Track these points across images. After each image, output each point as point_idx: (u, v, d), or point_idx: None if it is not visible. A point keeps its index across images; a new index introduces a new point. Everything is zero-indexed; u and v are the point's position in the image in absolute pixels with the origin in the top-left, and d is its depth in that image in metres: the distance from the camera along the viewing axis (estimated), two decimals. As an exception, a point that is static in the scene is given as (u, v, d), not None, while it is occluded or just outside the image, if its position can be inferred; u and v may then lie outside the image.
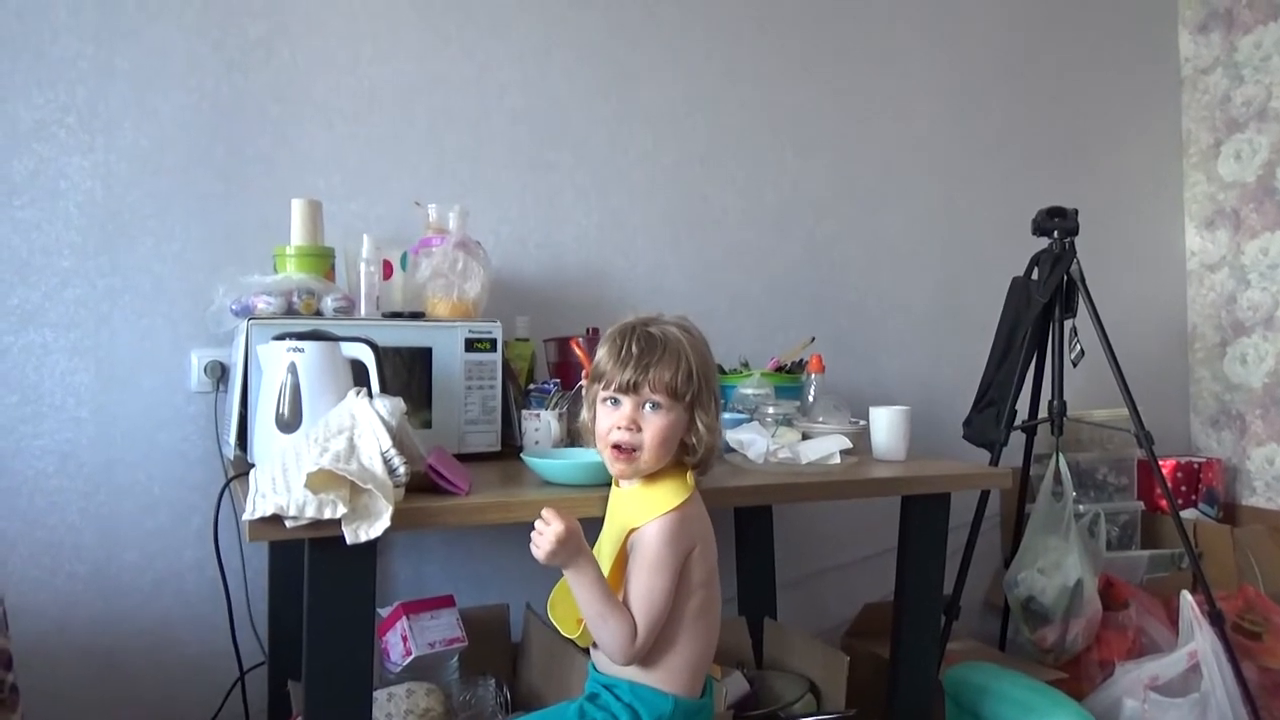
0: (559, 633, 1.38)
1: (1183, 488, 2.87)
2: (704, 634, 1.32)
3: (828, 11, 2.66)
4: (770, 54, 2.58)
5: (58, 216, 1.92)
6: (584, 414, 1.36)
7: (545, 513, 1.24)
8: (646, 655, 1.28)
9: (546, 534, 1.23)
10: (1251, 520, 2.88)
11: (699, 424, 1.29)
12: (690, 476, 1.32)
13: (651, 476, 1.31)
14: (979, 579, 2.63)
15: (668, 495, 1.28)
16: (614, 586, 1.28)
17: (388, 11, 2.19)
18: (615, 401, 1.29)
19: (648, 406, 1.27)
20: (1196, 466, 2.91)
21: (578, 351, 1.92)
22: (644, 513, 1.28)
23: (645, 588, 1.25)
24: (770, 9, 2.59)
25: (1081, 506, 2.48)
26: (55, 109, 1.92)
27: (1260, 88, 2.98)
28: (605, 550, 1.33)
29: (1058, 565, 2.26)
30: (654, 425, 1.27)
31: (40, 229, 1.91)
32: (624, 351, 1.28)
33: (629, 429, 1.27)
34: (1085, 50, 3.04)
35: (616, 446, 1.28)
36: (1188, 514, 2.80)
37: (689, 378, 1.27)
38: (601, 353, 1.31)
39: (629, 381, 1.26)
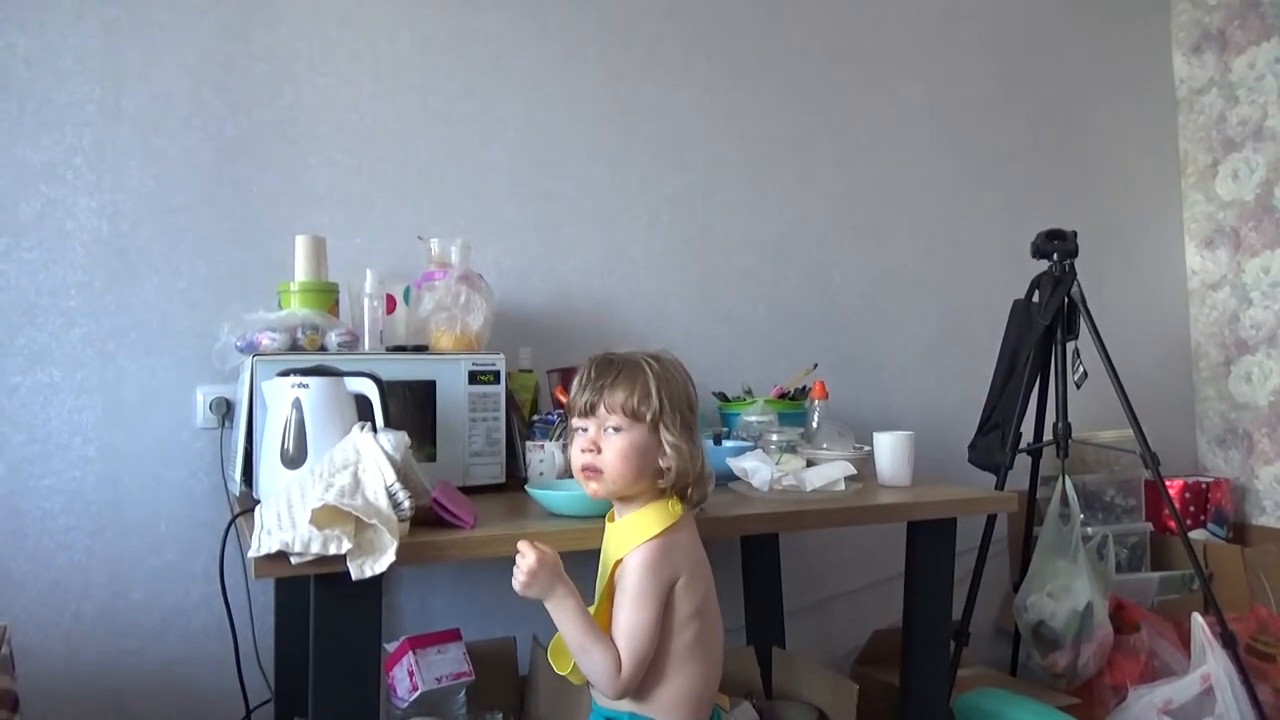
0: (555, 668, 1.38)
1: (1191, 508, 2.86)
2: (702, 664, 1.31)
3: (826, 43, 2.69)
4: (769, 86, 2.61)
5: (64, 257, 1.94)
6: (569, 448, 1.39)
7: (520, 545, 1.26)
8: (644, 688, 1.28)
9: (520, 566, 1.24)
10: (1262, 540, 2.86)
11: (665, 445, 1.30)
12: (675, 504, 1.32)
13: (638, 505, 1.32)
14: (988, 604, 2.61)
15: (649, 524, 1.29)
16: (605, 620, 1.28)
17: (389, 51, 2.22)
18: (583, 429, 1.32)
19: (609, 428, 1.30)
20: (1204, 486, 2.89)
21: (563, 399, 1.93)
22: (627, 543, 1.28)
23: (629, 621, 1.25)
24: (769, 43, 2.62)
25: (1089, 529, 2.47)
26: (62, 151, 1.95)
27: (1255, 107, 3.00)
28: (599, 584, 1.34)
29: (1067, 589, 2.24)
30: (613, 445, 1.29)
31: (47, 269, 1.93)
32: (584, 378, 1.33)
33: (590, 450, 1.30)
34: (1080, 74, 3.07)
35: (584, 468, 1.32)
36: (1197, 535, 2.78)
37: (646, 397, 1.29)
38: (572, 385, 1.36)
39: (586, 404, 1.31)
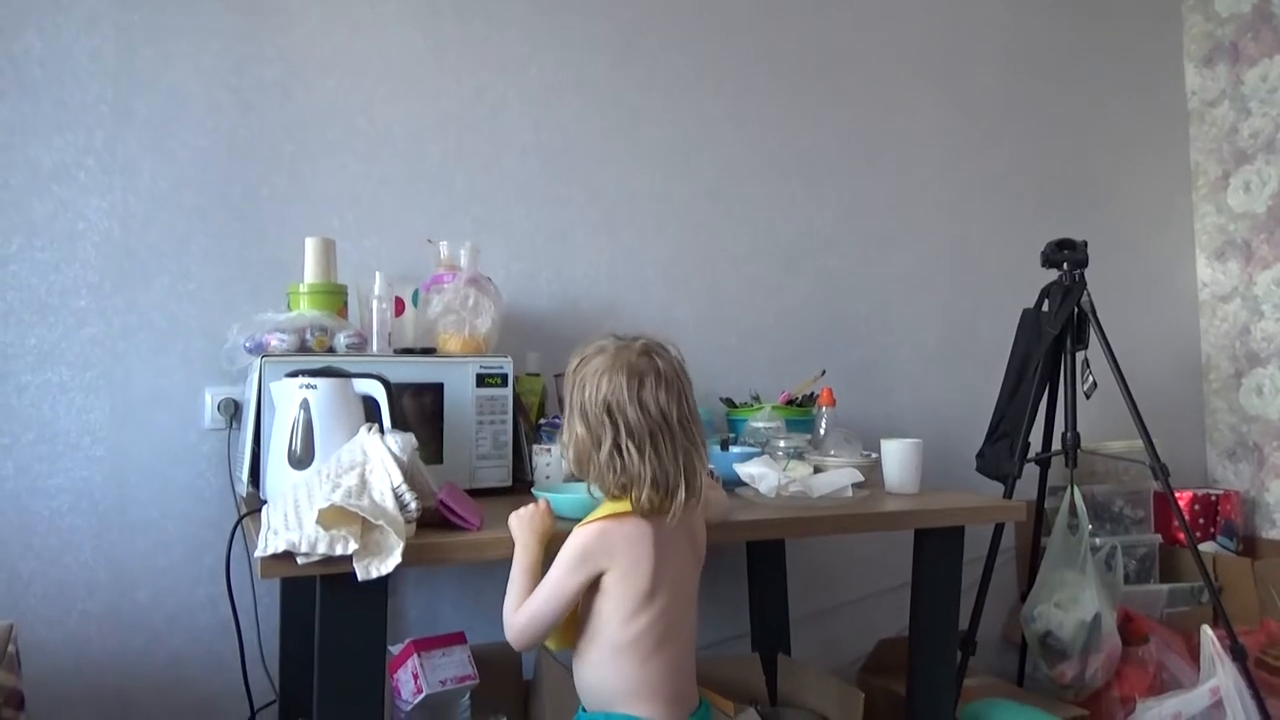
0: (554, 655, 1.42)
1: (1201, 520, 2.84)
2: (652, 659, 1.33)
3: (835, 52, 2.69)
4: (778, 94, 2.61)
5: (76, 257, 1.95)
6: None
7: (541, 501, 1.42)
8: (598, 681, 1.34)
9: (525, 508, 1.39)
10: (1272, 554, 2.84)
11: (560, 433, 1.40)
12: (629, 499, 1.33)
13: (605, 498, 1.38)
14: (995, 613, 2.60)
15: (599, 510, 1.35)
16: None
17: (400, 53, 2.23)
18: None
19: None
20: (1214, 499, 2.88)
21: None
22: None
23: (543, 581, 1.34)
24: (778, 51, 2.62)
25: (1098, 539, 2.46)
26: (75, 152, 1.96)
27: (1268, 120, 2.99)
28: None
29: (1075, 599, 2.23)
30: None
31: (59, 269, 1.94)
32: None
33: None
34: (1092, 85, 3.06)
35: None
36: (1206, 547, 2.77)
37: (565, 390, 1.40)
38: None
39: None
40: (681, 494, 1.31)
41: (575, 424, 1.34)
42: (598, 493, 1.36)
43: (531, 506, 1.41)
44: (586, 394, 1.33)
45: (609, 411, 1.31)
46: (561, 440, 1.39)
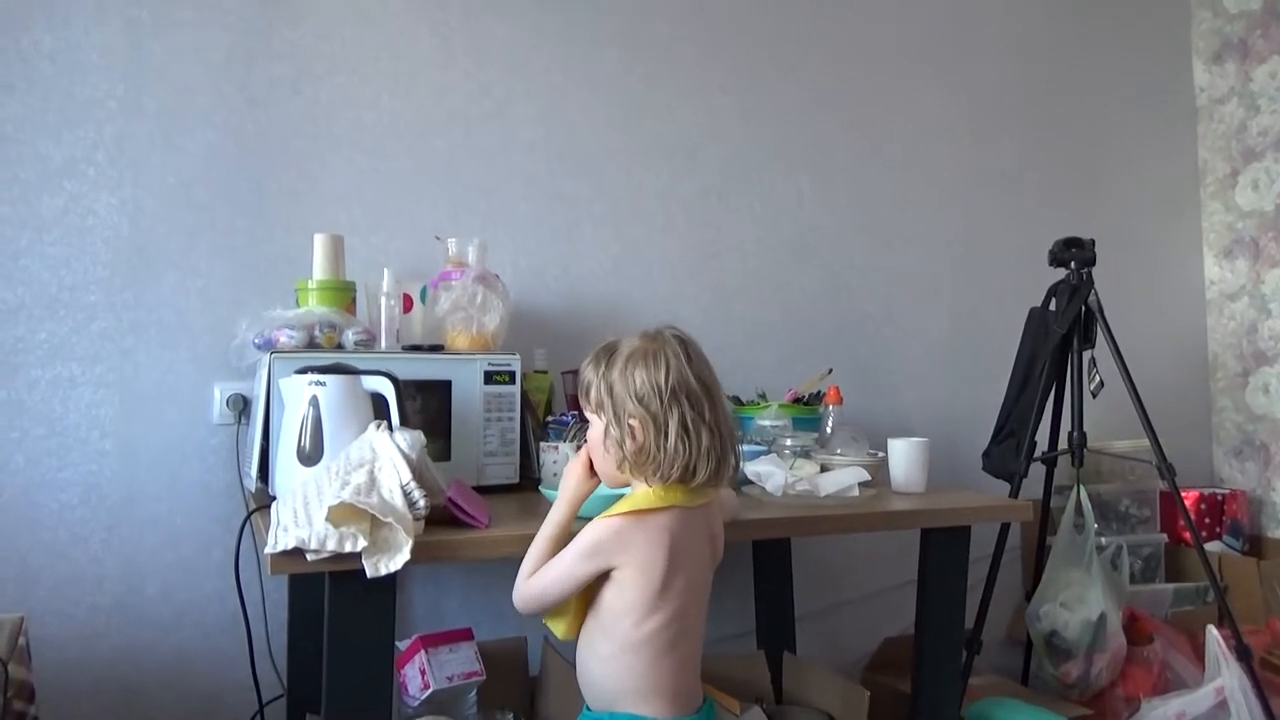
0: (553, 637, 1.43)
1: (1206, 519, 2.84)
2: (666, 656, 1.33)
3: (844, 48, 2.69)
4: (785, 90, 2.61)
5: (86, 252, 1.95)
6: None
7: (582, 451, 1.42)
8: (606, 677, 1.33)
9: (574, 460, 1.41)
10: (1278, 553, 2.84)
11: (609, 434, 1.34)
12: (653, 493, 1.32)
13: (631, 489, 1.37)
14: (1001, 613, 2.60)
15: (621, 504, 1.34)
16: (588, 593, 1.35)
17: (408, 50, 2.23)
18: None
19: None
20: (1220, 498, 2.87)
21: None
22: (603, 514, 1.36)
23: (556, 559, 1.34)
24: (786, 46, 2.62)
25: (1104, 539, 2.46)
26: (85, 147, 1.96)
27: (1277, 117, 2.98)
28: None
29: (1080, 599, 2.23)
30: (588, 438, 1.40)
31: (69, 265, 1.94)
32: None
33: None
34: (1100, 82, 3.05)
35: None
36: (1212, 546, 2.76)
37: (588, 391, 1.37)
38: None
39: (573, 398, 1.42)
40: (732, 461, 1.34)
41: (628, 416, 1.31)
42: (656, 484, 1.33)
43: (574, 460, 1.42)
44: (639, 383, 1.31)
45: (674, 393, 1.30)
46: (610, 438, 1.34)
